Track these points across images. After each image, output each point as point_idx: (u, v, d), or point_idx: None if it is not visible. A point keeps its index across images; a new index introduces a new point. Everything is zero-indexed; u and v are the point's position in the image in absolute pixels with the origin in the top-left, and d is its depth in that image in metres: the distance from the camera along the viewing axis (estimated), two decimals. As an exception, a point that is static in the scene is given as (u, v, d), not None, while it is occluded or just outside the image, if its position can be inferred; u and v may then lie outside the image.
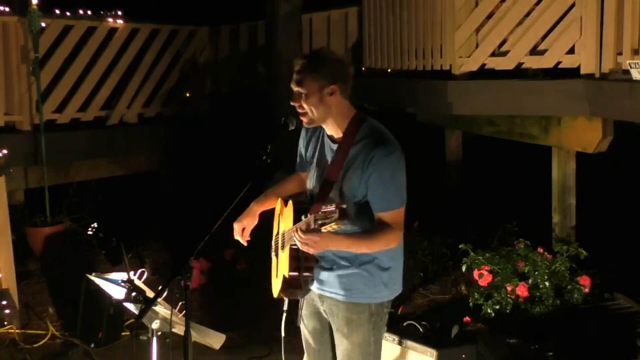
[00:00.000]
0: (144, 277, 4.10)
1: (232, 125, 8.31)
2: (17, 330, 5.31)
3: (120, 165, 7.82)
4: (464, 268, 5.35)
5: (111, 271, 4.94)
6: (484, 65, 5.86)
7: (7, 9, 6.87)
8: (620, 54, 5.09)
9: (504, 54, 5.79)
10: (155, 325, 3.46)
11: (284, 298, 3.14)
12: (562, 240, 5.68)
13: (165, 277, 5.95)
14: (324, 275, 3.05)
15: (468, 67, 5.87)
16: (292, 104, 2.96)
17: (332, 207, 2.64)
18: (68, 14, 7.33)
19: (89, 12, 7.51)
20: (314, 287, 3.09)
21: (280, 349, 3.27)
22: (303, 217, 2.83)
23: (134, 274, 3.71)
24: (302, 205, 3.04)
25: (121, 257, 5.56)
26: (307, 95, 2.91)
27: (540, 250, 5.27)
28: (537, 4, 5.67)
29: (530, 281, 5.07)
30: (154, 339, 3.47)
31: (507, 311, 4.99)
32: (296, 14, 7.38)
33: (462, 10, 5.86)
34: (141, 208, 7.54)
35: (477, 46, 5.89)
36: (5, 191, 5.50)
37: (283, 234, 3.08)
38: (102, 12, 7.59)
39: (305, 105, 2.93)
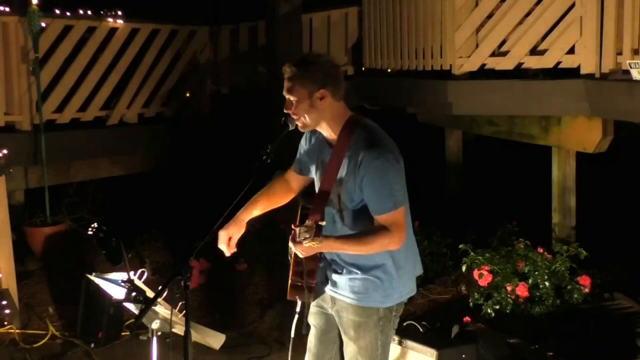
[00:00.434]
0: (144, 277, 4.10)
1: (232, 125, 8.31)
2: (17, 330, 5.30)
3: (120, 165, 7.81)
4: (464, 268, 5.35)
5: (111, 271, 4.94)
6: (484, 65, 5.86)
7: (7, 8, 6.86)
8: (620, 54, 5.09)
9: (504, 54, 5.80)
10: (155, 325, 3.47)
11: (296, 300, 3.15)
12: (562, 240, 5.69)
13: (165, 277, 5.94)
14: (336, 277, 3.08)
15: (468, 67, 5.88)
16: (285, 111, 2.97)
17: (311, 223, 2.73)
18: (68, 13, 7.31)
19: (89, 12, 7.49)
20: (327, 288, 3.13)
21: (287, 349, 3.29)
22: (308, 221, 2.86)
23: (134, 274, 3.71)
24: (307, 210, 3.07)
25: (121, 257, 5.57)
26: (298, 102, 2.91)
27: (540, 250, 5.27)
28: (537, 4, 5.68)
29: (530, 281, 5.07)
30: (154, 339, 3.48)
31: (507, 311, 4.99)
32: (296, 14, 7.37)
33: (462, 10, 5.87)
34: (141, 208, 7.54)
35: (477, 46, 5.90)
36: (5, 191, 5.49)
37: None
38: (102, 12, 7.57)
39: (297, 112, 2.93)
